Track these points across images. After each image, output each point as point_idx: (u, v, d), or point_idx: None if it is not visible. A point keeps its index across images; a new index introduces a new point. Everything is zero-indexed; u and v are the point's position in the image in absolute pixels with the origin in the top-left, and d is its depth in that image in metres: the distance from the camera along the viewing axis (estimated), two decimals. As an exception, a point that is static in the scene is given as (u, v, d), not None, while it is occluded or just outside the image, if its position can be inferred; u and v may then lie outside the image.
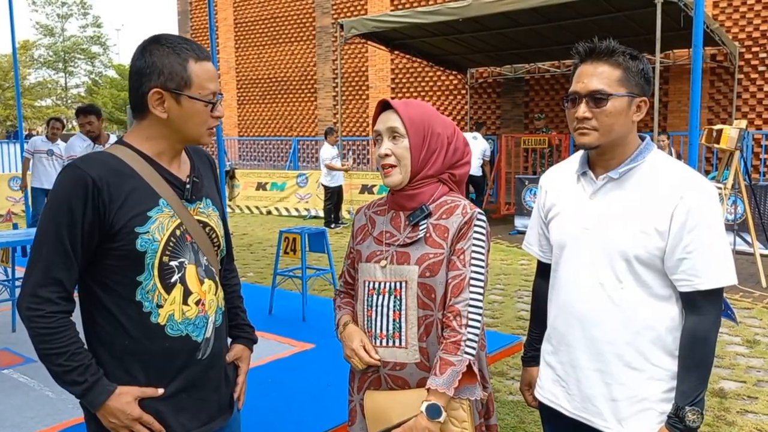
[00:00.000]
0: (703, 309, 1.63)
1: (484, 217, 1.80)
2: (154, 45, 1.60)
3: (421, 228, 1.78)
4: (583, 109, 1.68)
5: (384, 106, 1.83)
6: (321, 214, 12.93)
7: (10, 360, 4.48)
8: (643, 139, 1.76)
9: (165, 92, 1.58)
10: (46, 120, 9.20)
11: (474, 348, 1.70)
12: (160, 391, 1.63)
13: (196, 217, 1.70)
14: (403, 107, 1.79)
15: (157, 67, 1.57)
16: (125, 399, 1.57)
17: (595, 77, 1.67)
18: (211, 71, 1.63)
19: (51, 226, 1.53)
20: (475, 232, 1.76)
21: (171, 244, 1.61)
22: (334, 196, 11.54)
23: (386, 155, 1.78)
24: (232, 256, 1.98)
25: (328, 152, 11.38)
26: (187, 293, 1.64)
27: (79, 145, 6.37)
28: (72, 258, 1.53)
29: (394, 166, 1.78)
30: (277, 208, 13.82)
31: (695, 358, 1.63)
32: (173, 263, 1.62)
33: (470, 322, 1.70)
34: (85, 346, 1.58)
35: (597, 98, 1.66)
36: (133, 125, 1.68)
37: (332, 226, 11.43)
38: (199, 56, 1.61)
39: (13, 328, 5.18)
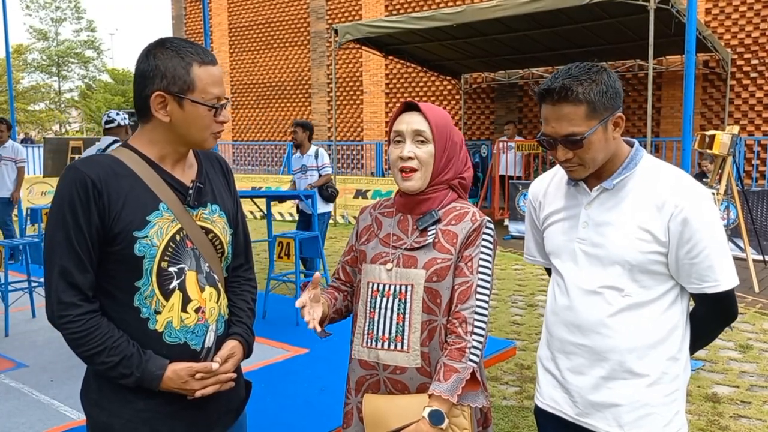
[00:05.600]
0: (711, 308, 1.72)
1: (492, 225, 1.79)
2: (158, 48, 1.58)
3: (429, 233, 1.76)
4: (562, 153, 1.65)
5: (407, 107, 1.81)
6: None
7: (2, 365, 4.45)
8: (631, 145, 1.74)
9: (168, 96, 1.56)
10: None
11: (478, 356, 1.69)
12: (215, 366, 1.61)
13: (199, 223, 1.66)
14: (430, 111, 1.76)
15: (161, 70, 1.55)
16: (177, 375, 1.57)
17: (564, 120, 1.60)
18: (215, 75, 1.60)
19: (58, 231, 1.51)
20: (484, 239, 1.75)
21: (170, 249, 1.59)
22: None
23: (409, 158, 1.74)
24: (250, 264, 1.89)
25: None
26: (186, 300, 1.61)
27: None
28: (84, 260, 1.52)
29: (416, 170, 1.75)
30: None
31: (696, 346, 1.80)
32: (172, 269, 1.59)
33: (475, 329, 1.69)
34: (124, 336, 1.55)
35: (572, 141, 1.61)
36: (138, 129, 1.67)
37: None
38: (203, 60, 1.58)
39: (6, 333, 5.15)
